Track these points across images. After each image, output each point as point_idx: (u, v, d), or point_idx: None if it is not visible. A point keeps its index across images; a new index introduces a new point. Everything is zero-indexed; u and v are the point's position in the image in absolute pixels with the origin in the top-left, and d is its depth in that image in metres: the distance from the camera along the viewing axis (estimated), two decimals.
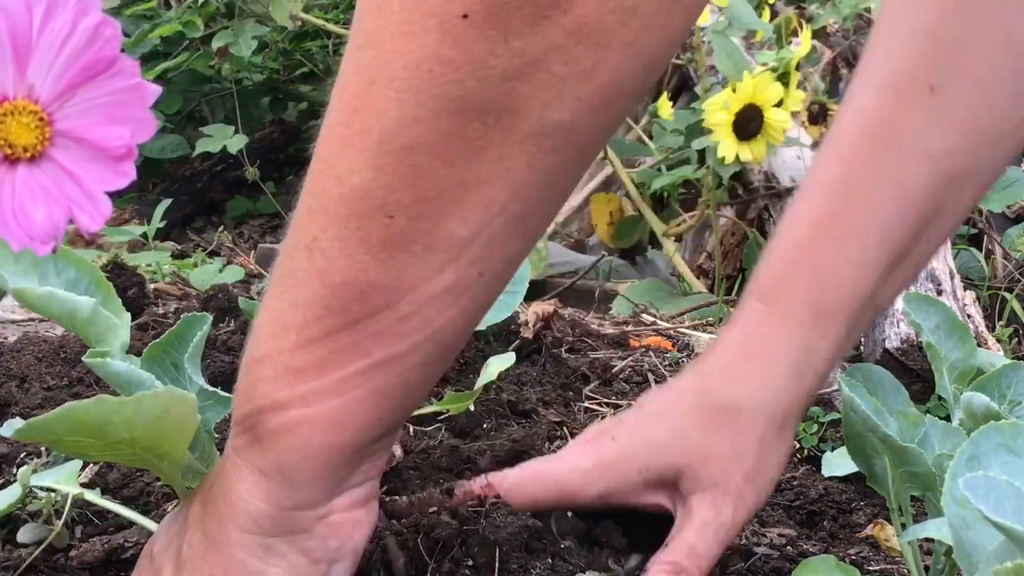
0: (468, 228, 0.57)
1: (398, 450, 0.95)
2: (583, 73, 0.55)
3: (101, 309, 0.72)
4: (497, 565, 0.75)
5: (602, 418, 1.16)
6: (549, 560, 0.77)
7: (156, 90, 0.64)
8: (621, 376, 1.31)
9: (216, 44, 2.51)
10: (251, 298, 1.37)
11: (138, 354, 0.76)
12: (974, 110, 0.79)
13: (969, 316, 1.44)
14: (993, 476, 0.58)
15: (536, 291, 1.93)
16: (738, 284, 2.01)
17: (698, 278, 2.08)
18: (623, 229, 2.38)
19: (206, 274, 1.59)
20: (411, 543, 0.76)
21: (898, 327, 1.38)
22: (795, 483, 1.08)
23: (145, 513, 0.82)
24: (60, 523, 0.80)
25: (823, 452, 1.13)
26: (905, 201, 0.78)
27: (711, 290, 2.00)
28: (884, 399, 0.79)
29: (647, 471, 0.78)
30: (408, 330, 0.59)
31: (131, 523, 0.81)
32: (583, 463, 0.79)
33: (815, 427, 1.20)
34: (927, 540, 0.88)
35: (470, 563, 0.75)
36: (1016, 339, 1.57)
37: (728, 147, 1.76)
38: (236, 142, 2.35)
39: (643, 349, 1.40)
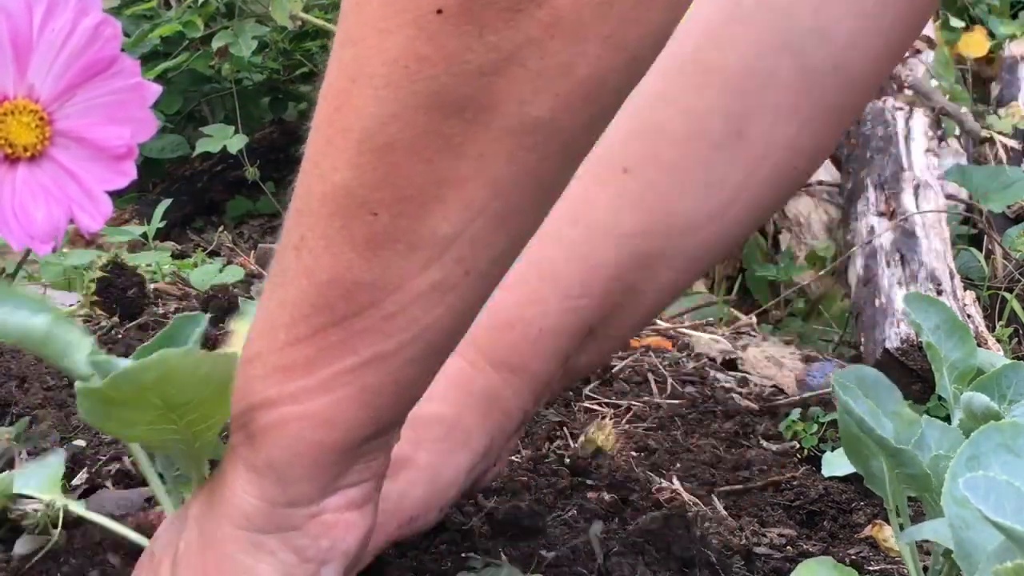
0: (451, 226, 0.57)
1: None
2: (560, 68, 0.54)
3: (55, 327, 0.69)
4: None
5: (602, 418, 1.16)
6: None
7: (156, 90, 0.64)
8: (621, 376, 1.31)
9: (216, 44, 2.51)
10: (251, 298, 1.37)
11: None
12: (665, 195, 0.82)
13: (969, 316, 1.44)
14: (993, 476, 0.58)
15: None
16: (738, 284, 2.01)
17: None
18: None
19: (206, 274, 1.59)
20: None
21: (898, 327, 1.38)
22: (795, 483, 1.08)
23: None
24: (57, 532, 0.80)
25: (823, 452, 1.13)
26: (589, 275, 0.81)
27: (711, 290, 2.00)
28: (878, 400, 0.79)
29: None
30: (394, 328, 0.59)
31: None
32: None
33: (815, 427, 1.20)
34: (926, 540, 0.88)
35: None
36: (1016, 339, 1.57)
37: None
38: (236, 142, 2.35)
39: (643, 349, 1.40)
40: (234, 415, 0.64)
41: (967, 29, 2.47)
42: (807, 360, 1.44)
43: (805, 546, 0.98)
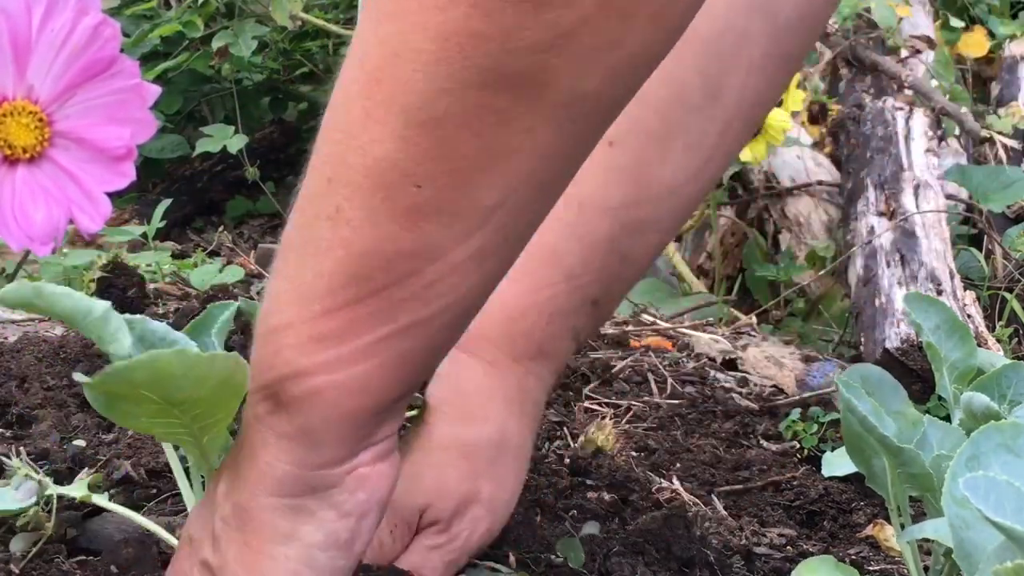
0: (495, 196, 0.59)
1: None
2: (611, 44, 0.56)
3: (113, 311, 0.72)
4: None
5: (602, 418, 1.16)
6: None
7: (156, 90, 0.64)
8: (621, 376, 1.31)
9: (216, 44, 2.51)
10: (251, 298, 1.37)
11: None
12: (650, 164, 0.85)
13: (969, 316, 1.44)
14: (993, 476, 0.58)
15: None
16: (738, 284, 2.01)
17: (698, 278, 2.07)
18: None
19: (206, 274, 1.59)
20: None
21: (898, 327, 1.38)
22: (795, 483, 1.08)
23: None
24: (51, 526, 0.80)
25: (823, 452, 1.13)
26: (588, 253, 0.85)
27: (711, 290, 2.00)
28: (882, 399, 0.79)
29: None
30: (433, 296, 0.60)
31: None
32: None
33: (815, 427, 1.20)
34: (927, 540, 0.88)
35: None
36: (1016, 339, 1.57)
37: None
38: (236, 142, 2.35)
39: (643, 349, 1.40)
40: (259, 384, 0.64)
41: (967, 29, 2.47)
42: (807, 360, 1.44)
43: (805, 546, 0.98)
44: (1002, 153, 2.03)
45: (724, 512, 1.02)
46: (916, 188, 1.73)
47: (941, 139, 2.00)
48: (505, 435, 0.83)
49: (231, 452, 0.69)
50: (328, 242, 0.60)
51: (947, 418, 0.89)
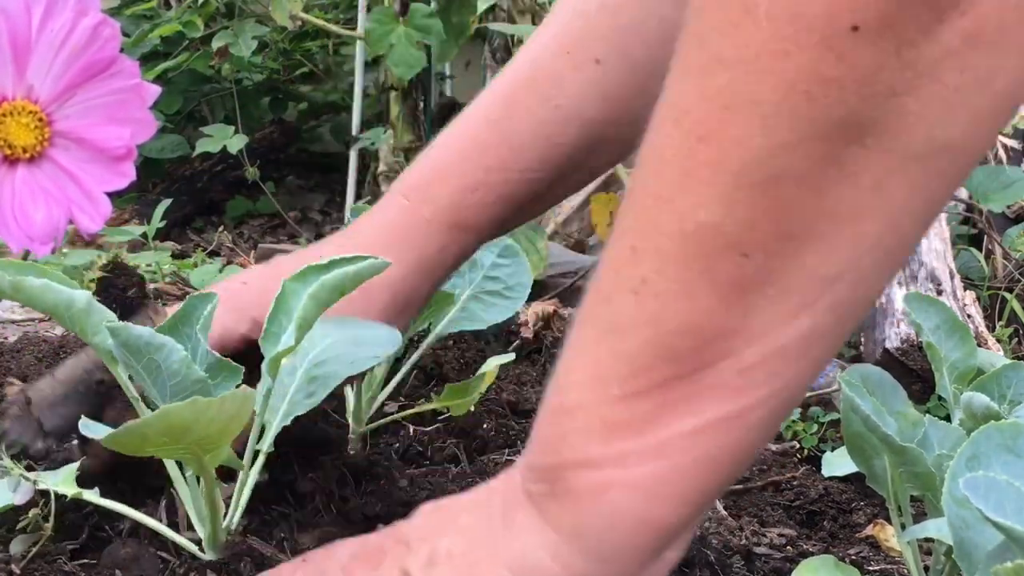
0: (834, 266, 0.51)
1: None
2: (978, 82, 0.49)
3: (96, 302, 0.72)
4: None
5: None
6: None
7: (156, 90, 0.64)
8: None
9: (216, 44, 2.51)
10: None
11: None
12: (626, 90, 0.88)
13: (969, 316, 1.44)
14: (993, 476, 0.58)
15: (536, 291, 1.92)
16: None
17: None
18: None
19: (206, 274, 1.59)
20: None
21: (898, 327, 1.38)
22: (795, 483, 1.08)
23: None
24: (49, 526, 0.80)
25: (823, 452, 1.13)
26: (549, 152, 0.88)
27: None
28: (883, 399, 0.79)
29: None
30: (749, 384, 0.53)
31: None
32: (227, 306, 0.82)
33: (815, 427, 1.20)
34: (927, 540, 0.88)
35: None
36: (1016, 339, 1.57)
37: None
38: (236, 142, 2.35)
39: None
40: (539, 465, 0.58)
41: None
42: None
43: (805, 546, 0.98)
44: (1002, 153, 2.03)
45: (724, 512, 1.02)
46: None
47: None
48: (404, 285, 0.86)
49: (490, 489, 0.62)
50: (631, 318, 0.54)
51: (947, 418, 0.89)
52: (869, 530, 1.00)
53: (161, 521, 0.81)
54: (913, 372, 1.33)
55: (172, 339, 0.71)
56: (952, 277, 1.53)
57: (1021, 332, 1.58)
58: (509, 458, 1.05)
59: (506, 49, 2.14)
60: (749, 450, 0.56)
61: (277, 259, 0.89)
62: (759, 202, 0.50)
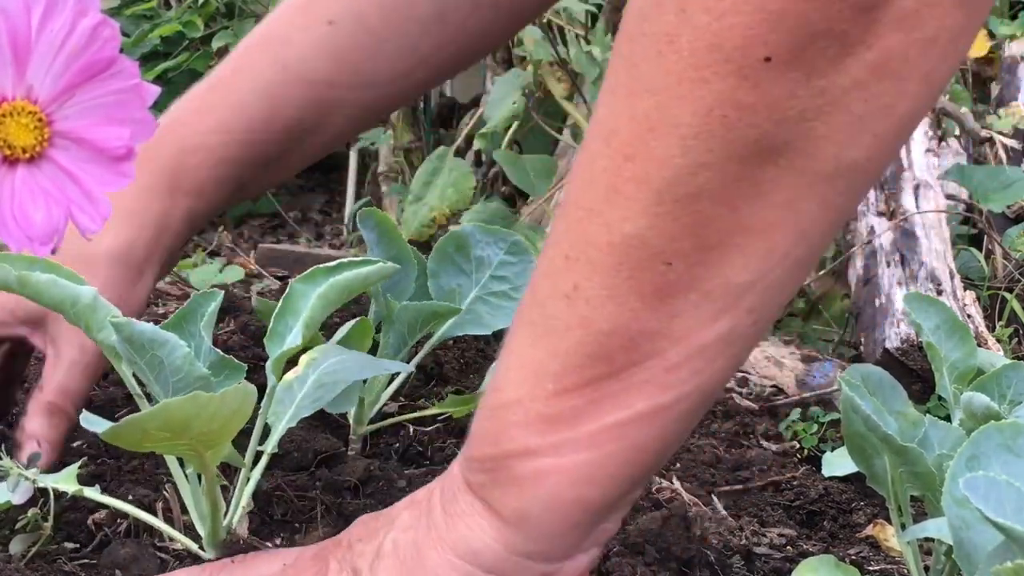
0: (749, 275, 0.55)
1: None
2: (882, 109, 0.53)
3: (101, 298, 0.73)
4: None
5: None
6: None
7: (155, 90, 0.64)
8: None
9: (216, 44, 2.51)
10: (248, 298, 1.37)
11: None
12: (358, 53, 0.90)
13: (969, 316, 1.44)
14: (993, 476, 0.58)
15: None
16: None
17: None
18: None
19: (206, 274, 1.59)
20: None
21: (898, 327, 1.38)
22: (795, 483, 1.08)
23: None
24: (48, 525, 0.80)
25: (823, 452, 1.13)
26: (273, 113, 0.89)
27: None
28: (883, 399, 0.79)
29: (19, 310, 0.86)
30: (675, 380, 0.57)
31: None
32: None
33: (815, 427, 1.20)
34: (927, 540, 0.88)
35: None
36: (1016, 339, 1.57)
37: None
38: None
39: None
40: (479, 456, 0.62)
41: None
42: (807, 360, 1.43)
43: (805, 546, 0.98)
44: (1002, 153, 2.03)
45: (724, 512, 1.02)
46: (916, 188, 1.73)
47: (941, 139, 2.00)
48: (131, 254, 0.87)
49: (428, 489, 0.66)
50: (564, 321, 0.58)
51: (947, 418, 0.89)
52: (869, 530, 1.00)
53: (170, 519, 0.81)
54: (913, 372, 1.33)
55: (176, 335, 0.71)
56: (952, 277, 1.53)
57: (1021, 332, 1.58)
58: None
59: (506, 48, 2.14)
60: (674, 439, 0.60)
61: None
62: (680, 216, 0.54)
